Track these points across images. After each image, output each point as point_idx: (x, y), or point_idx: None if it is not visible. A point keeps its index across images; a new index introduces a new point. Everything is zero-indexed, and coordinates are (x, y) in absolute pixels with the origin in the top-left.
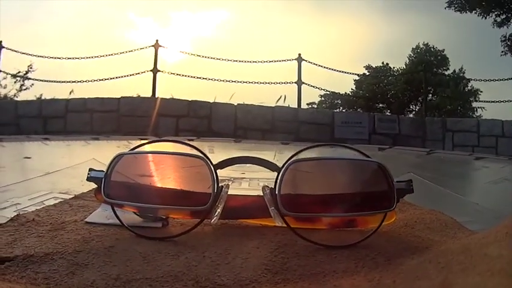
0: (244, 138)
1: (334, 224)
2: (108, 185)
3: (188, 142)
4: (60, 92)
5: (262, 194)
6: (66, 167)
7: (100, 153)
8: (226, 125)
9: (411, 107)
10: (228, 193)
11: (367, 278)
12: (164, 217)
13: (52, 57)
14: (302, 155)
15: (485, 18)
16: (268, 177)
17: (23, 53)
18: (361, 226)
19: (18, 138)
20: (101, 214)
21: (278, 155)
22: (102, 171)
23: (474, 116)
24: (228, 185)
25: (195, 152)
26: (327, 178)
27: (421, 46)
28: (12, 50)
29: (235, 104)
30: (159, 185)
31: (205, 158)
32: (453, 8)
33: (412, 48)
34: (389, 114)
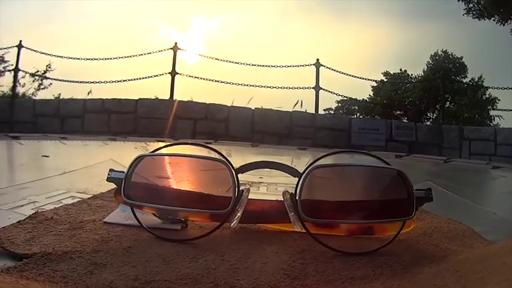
0: (261, 142)
1: (353, 230)
2: (128, 186)
3: (209, 145)
4: (79, 92)
5: (281, 198)
6: (84, 167)
7: (117, 153)
8: (244, 128)
9: (428, 115)
10: (248, 197)
11: (385, 285)
12: (183, 219)
13: (71, 58)
14: (322, 161)
15: (504, 25)
16: (286, 182)
17: (42, 53)
18: (379, 233)
19: (35, 136)
20: (120, 215)
21: (295, 161)
22: (123, 172)
23: (491, 124)
24: (248, 189)
25: (216, 155)
26: (346, 184)
27: (440, 53)
28: (32, 50)
29: (253, 108)
30: (179, 187)
31: (226, 161)
32: (471, 15)
33: (431, 55)
34: (406, 121)
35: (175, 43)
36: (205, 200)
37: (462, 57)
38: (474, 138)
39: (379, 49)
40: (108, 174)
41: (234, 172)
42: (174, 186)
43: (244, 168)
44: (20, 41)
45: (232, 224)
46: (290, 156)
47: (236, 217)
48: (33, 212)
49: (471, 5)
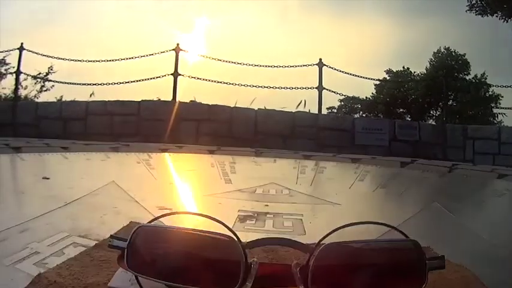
0: (264, 143)
1: None
2: (130, 256)
3: (216, 218)
4: (81, 94)
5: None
6: (86, 194)
7: (120, 172)
8: (246, 129)
9: (431, 112)
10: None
11: None
12: None
13: (73, 60)
14: (335, 234)
15: (507, 21)
16: (291, 212)
17: (43, 55)
18: None
19: (36, 145)
20: (124, 277)
21: (300, 176)
22: (124, 240)
23: (495, 121)
24: (257, 262)
25: (223, 229)
26: (360, 262)
27: (442, 50)
28: (33, 52)
29: (256, 108)
30: (184, 261)
31: (234, 236)
32: (474, 11)
33: (434, 53)
34: (409, 119)
35: (177, 44)
36: (213, 276)
37: (465, 54)
38: (478, 137)
39: (381, 47)
40: (109, 241)
41: (242, 250)
42: (179, 261)
43: (251, 245)
44: (22, 44)
45: None
46: (295, 170)
47: None
48: (36, 273)
49: (474, 2)
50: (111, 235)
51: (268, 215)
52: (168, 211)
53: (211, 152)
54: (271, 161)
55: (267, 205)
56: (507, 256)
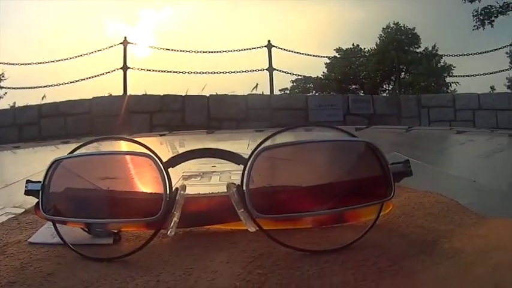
0: (219, 129)
1: (320, 221)
2: (47, 199)
3: (134, 139)
4: (34, 98)
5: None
6: (27, 176)
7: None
8: (200, 117)
9: (384, 86)
10: (189, 195)
11: None
12: (116, 231)
13: (22, 64)
14: (273, 141)
15: None
16: (240, 169)
17: None
18: (351, 220)
19: None
20: (47, 232)
21: (252, 144)
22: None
23: (448, 91)
24: (184, 186)
25: (142, 149)
26: (305, 166)
27: (391, 26)
28: None
29: (208, 95)
30: (105, 193)
31: (153, 155)
32: None
33: (383, 28)
34: (362, 94)
35: (125, 37)
36: (136, 205)
37: (414, 28)
38: (432, 106)
39: (330, 26)
40: (26, 187)
41: (162, 167)
42: (100, 193)
43: (174, 161)
44: None
45: (169, 232)
46: (247, 140)
47: (173, 223)
48: None
49: None
50: (26, 180)
51: (214, 173)
52: None
53: (161, 135)
54: (223, 136)
55: (214, 166)
56: (482, 188)
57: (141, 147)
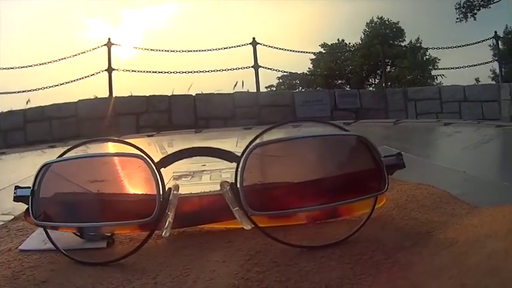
0: (206, 128)
1: (314, 216)
2: (37, 204)
3: (125, 140)
4: (19, 103)
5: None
6: (14, 183)
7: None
8: (187, 116)
9: (370, 81)
10: (181, 195)
11: None
12: (109, 234)
13: (5, 68)
14: (264, 138)
15: None
16: (231, 166)
17: None
18: (346, 215)
19: None
20: (38, 238)
21: (241, 141)
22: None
23: (434, 83)
24: (177, 185)
25: (133, 150)
26: (299, 162)
27: (375, 20)
28: None
29: (194, 94)
30: (96, 196)
31: (145, 156)
32: None
33: (366, 23)
34: (349, 89)
35: (109, 39)
36: (129, 207)
37: (398, 22)
38: (419, 99)
39: (314, 21)
40: (15, 193)
41: (154, 168)
42: (90, 196)
43: (166, 161)
44: None
45: (163, 233)
46: (235, 138)
47: (167, 224)
48: None
49: None
50: (15, 186)
51: (205, 172)
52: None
53: (149, 136)
54: (212, 135)
55: (204, 165)
56: (472, 178)
57: (131, 148)
